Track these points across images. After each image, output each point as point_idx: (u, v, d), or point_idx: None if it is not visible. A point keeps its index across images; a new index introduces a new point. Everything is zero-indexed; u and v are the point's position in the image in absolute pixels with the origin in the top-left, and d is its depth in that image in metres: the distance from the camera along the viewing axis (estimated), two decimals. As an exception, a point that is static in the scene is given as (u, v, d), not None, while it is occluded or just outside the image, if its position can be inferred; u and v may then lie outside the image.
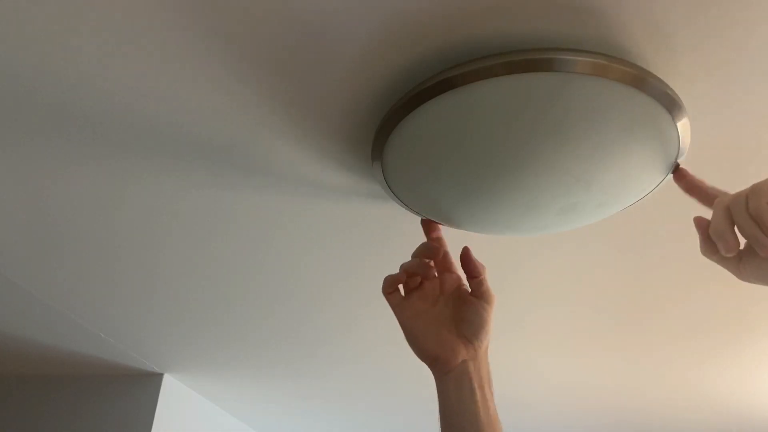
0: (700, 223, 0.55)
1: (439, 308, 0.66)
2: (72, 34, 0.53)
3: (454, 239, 0.70)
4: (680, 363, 1.21)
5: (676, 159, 0.61)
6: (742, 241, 0.51)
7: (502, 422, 0.63)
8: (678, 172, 0.61)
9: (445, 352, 0.65)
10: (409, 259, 0.65)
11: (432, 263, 0.66)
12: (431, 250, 0.65)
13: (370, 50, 0.54)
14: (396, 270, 0.65)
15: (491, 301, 0.65)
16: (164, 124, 0.64)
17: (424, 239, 0.69)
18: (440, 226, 0.69)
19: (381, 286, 0.66)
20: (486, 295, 0.65)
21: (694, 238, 0.82)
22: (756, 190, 0.48)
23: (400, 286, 0.66)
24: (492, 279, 0.66)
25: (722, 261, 0.55)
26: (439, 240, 0.68)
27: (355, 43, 0.54)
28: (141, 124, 0.64)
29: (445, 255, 0.67)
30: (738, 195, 0.50)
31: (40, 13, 0.51)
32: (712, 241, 0.53)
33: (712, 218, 0.52)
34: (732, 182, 0.70)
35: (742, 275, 0.54)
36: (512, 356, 1.20)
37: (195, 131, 0.65)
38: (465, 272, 0.65)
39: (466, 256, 0.65)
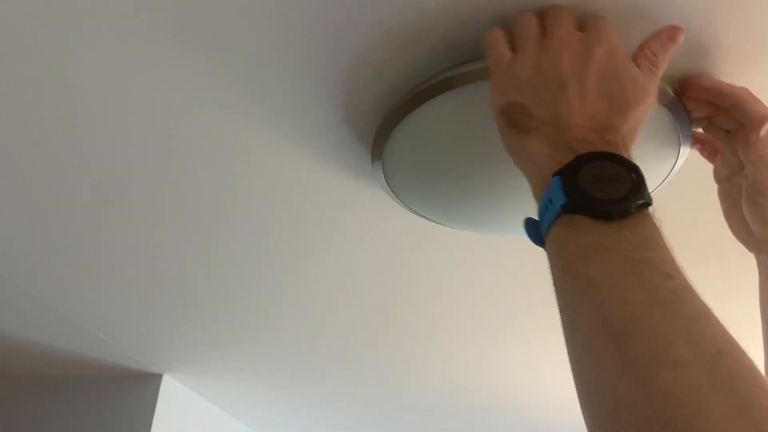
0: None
1: (737, 180, 0.58)
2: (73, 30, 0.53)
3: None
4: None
5: (677, 159, 0.61)
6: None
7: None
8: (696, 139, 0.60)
9: (741, 238, 0.59)
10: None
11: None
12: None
13: (369, 50, 0.54)
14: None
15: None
16: (159, 122, 0.64)
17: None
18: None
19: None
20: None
21: (694, 238, 0.82)
22: None
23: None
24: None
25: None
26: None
27: (355, 43, 0.54)
28: (138, 126, 0.64)
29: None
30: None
31: None
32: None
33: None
34: (732, 183, 0.70)
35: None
36: (511, 356, 1.20)
37: (193, 131, 0.65)
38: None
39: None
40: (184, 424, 1.39)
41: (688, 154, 0.61)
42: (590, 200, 0.39)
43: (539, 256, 0.44)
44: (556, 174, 0.41)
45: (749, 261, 0.88)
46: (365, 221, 0.79)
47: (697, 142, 0.61)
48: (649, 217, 0.39)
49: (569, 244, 0.39)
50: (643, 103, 0.46)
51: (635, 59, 0.48)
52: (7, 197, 0.75)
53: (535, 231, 0.43)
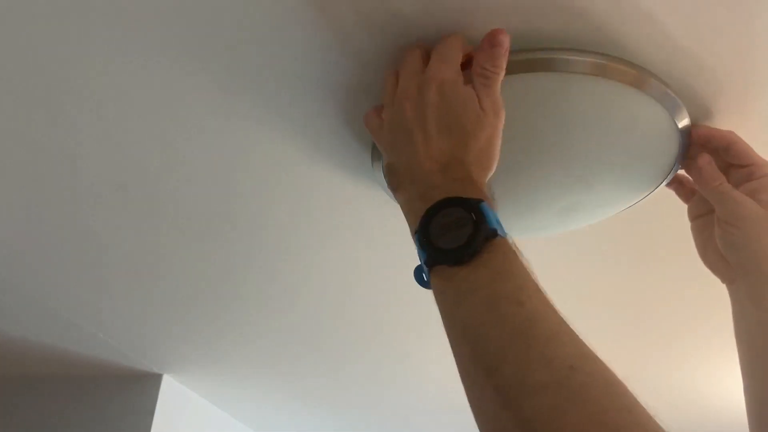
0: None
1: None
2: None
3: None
4: (680, 363, 1.21)
5: (676, 162, 0.61)
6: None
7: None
8: (676, 180, 0.63)
9: (716, 270, 0.61)
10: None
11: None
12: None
13: (369, 50, 0.54)
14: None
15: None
16: (159, 122, 0.64)
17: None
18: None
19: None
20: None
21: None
22: None
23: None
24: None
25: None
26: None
27: (355, 44, 0.54)
28: (137, 127, 0.64)
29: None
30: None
31: None
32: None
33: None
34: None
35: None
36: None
37: (192, 131, 0.65)
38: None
39: None
40: (184, 424, 1.39)
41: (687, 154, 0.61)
42: (442, 253, 0.42)
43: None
44: (415, 233, 0.45)
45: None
46: (365, 221, 0.79)
47: (674, 182, 0.64)
48: (501, 246, 0.42)
49: (443, 291, 0.43)
50: (483, 125, 0.47)
51: (469, 80, 0.48)
52: (7, 197, 0.75)
53: (423, 280, 0.46)
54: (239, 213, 0.78)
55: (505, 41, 0.48)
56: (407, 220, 0.48)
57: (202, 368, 1.32)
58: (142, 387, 1.31)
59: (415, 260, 0.47)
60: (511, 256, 0.42)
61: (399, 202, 0.50)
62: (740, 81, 0.57)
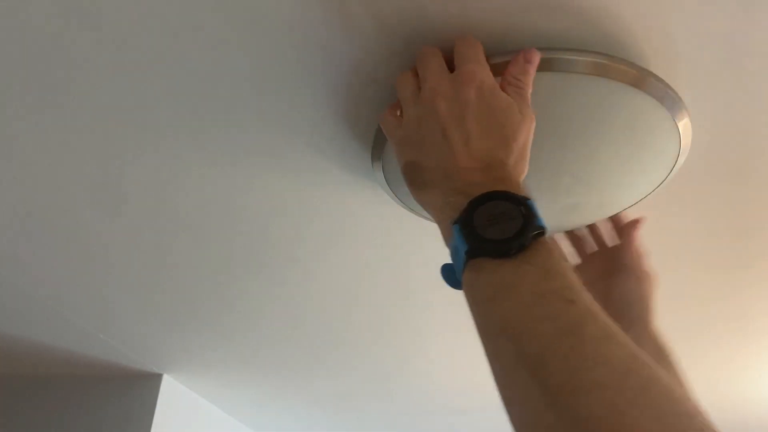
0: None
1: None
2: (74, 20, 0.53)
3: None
4: (682, 363, 1.21)
5: (677, 159, 0.61)
6: None
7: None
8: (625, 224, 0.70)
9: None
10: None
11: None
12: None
13: (370, 50, 0.54)
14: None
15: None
16: (165, 119, 0.64)
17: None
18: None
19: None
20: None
21: (695, 238, 0.82)
22: None
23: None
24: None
25: None
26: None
27: (357, 44, 0.54)
28: (141, 124, 0.64)
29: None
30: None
31: None
32: None
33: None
34: (733, 182, 0.70)
35: None
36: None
37: (192, 132, 0.65)
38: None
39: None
40: (184, 424, 1.39)
41: (688, 153, 0.61)
42: (488, 243, 0.41)
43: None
44: (455, 223, 0.43)
45: (751, 259, 0.89)
46: (365, 221, 0.79)
47: (575, 238, 0.75)
48: (546, 244, 0.41)
49: (480, 286, 0.41)
50: (522, 129, 0.48)
51: (503, 87, 0.50)
52: (7, 197, 0.75)
53: (452, 276, 0.45)
54: (238, 215, 0.78)
55: (537, 60, 0.51)
56: (436, 219, 0.47)
57: (202, 368, 1.32)
58: (142, 387, 1.31)
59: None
60: (556, 254, 0.41)
61: (423, 201, 0.49)
62: (742, 80, 0.57)
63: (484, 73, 0.49)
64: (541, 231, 0.41)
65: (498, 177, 0.45)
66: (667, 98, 0.54)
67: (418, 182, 0.49)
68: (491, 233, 0.41)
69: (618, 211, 0.67)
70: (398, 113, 0.53)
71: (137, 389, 1.31)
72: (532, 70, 0.50)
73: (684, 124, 0.57)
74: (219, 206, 0.77)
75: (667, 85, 0.54)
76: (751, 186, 0.71)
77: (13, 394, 1.34)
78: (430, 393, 1.41)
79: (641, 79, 0.53)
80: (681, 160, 0.61)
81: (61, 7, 0.51)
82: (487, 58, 0.51)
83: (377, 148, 0.62)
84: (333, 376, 1.34)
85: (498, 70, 0.51)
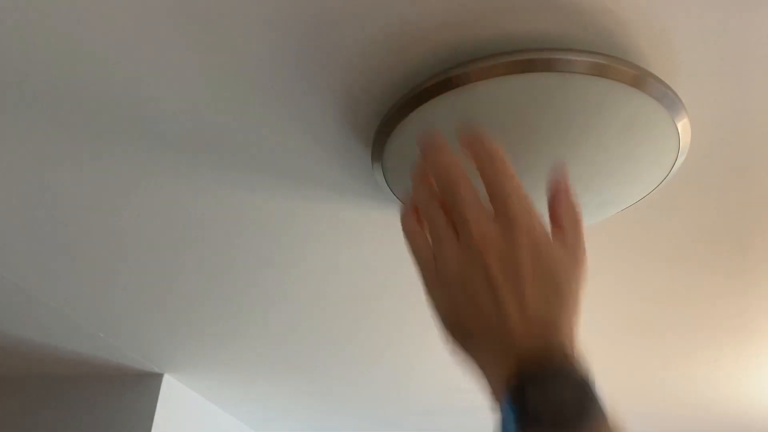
0: None
1: None
2: (78, 23, 0.53)
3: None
4: (681, 363, 1.21)
5: (676, 159, 0.61)
6: None
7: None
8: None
9: None
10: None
11: None
12: None
13: (370, 51, 0.54)
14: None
15: None
16: (167, 121, 0.64)
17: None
18: None
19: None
20: None
21: (695, 237, 0.82)
22: None
23: None
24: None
25: None
26: None
27: (356, 44, 0.54)
28: (146, 123, 0.64)
29: None
30: None
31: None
32: None
33: None
34: (732, 182, 0.70)
35: None
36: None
37: (189, 129, 0.65)
38: None
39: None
40: (184, 424, 1.39)
41: (687, 153, 0.61)
42: (538, 421, 0.38)
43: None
44: (507, 400, 0.40)
45: (750, 259, 0.89)
46: (365, 221, 0.79)
47: None
48: (603, 425, 0.39)
49: None
50: (577, 279, 0.45)
51: (554, 233, 0.47)
52: (7, 197, 0.75)
53: None
54: (238, 215, 0.78)
55: (569, 188, 0.49)
56: (485, 373, 0.44)
57: (202, 368, 1.32)
58: (142, 387, 1.31)
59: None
60: None
61: (471, 357, 0.46)
62: (742, 80, 0.57)
63: (536, 222, 0.44)
64: (603, 416, 0.38)
65: (555, 344, 0.41)
66: (667, 98, 0.54)
67: (460, 339, 0.46)
68: (544, 410, 0.38)
69: (617, 211, 0.68)
70: (420, 219, 0.49)
71: (138, 389, 1.31)
72: (579, 207, 0.48)
73: (683, 124, 0.57)
74: (218, 207, 0.77)
75: (667, 86, 0.54)
76: (751, 186, 0.71)
77: (13, 393, 1.35)
78: (432, 392, 1.41)
79: (641, 79, 0.53)
80: (680, 160, 0.61)
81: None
82: (488, 57, 0.50)
83: (377, 148, 0.62)
84: (333, 375, 1.34)
85: (498, 71, 0.51)
